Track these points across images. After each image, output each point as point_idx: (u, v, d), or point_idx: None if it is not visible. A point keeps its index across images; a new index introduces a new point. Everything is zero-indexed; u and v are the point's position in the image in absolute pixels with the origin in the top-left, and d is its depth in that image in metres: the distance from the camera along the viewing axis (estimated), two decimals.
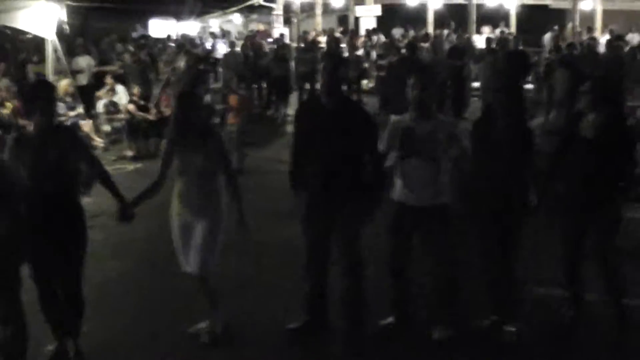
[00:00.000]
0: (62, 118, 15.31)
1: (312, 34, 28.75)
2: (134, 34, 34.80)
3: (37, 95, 6.37)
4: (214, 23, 36.60)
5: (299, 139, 7.06)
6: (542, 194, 7.14)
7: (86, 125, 16.12)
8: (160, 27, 34.31)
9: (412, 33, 28.45)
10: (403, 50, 19.84)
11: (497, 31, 28.96)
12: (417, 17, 33.16)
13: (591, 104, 6.84)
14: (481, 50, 21.82)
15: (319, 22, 32.33)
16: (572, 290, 7.28)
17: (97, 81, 18.76)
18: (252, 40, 24.94)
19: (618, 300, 7.01)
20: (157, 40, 28.36)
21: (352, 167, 6.76)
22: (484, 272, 7.18)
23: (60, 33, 17.34)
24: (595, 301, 7.24)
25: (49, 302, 6.47)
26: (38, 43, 23.10)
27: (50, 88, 6.76)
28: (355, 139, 6.68)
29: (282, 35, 26.08)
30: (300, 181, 7.01)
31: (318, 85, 22.47)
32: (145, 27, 36.12)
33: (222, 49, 25.77)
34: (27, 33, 17.76)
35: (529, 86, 20.59)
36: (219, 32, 33.77)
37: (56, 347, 6.63)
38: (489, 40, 21.26)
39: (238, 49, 23.30)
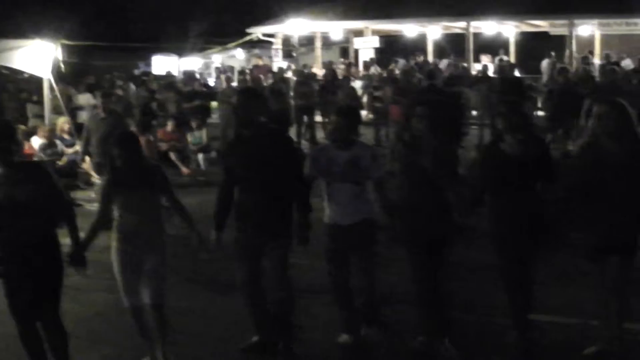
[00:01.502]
0: (60, 155, 15.54)
1: (313, 67, 28.99)
2: (136, 71, 35.07)
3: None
4: (217, 58, 36.81)
5: (228, 178, 7.26)
6: None
7: (85, 163, 16.23)
8: (162, 64, 34.51)
9: (411, 63, 28.60)
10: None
11: (496, 59, 29.09)
12: (415, 47, 33.34)
13: None
14: (476, 76, 21.94)
15: (318, 54, 32.51)
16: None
17: None
18: (251, 75, 25.15)
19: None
20: (158, 76, 28.52)
21: (280, 197, 7.03)
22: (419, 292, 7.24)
23: (57, 72, 17.49)
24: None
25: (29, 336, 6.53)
26: (38, 82, 23.46)
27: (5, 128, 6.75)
28: (281, 168, 7.00)
29: (280, 69, 26.23)
30: (223, 221, 7.22)
31: (316, 118, 22.75)
32: (148, 64, 36.33)
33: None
34: (24, 72, 17.87)
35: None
36: (221, 67, 33.99)
37: None
38: (484, 67, 21.45)
39: (234, 83, 23.45)
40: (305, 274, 7.57)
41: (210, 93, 23.75)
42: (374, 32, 30.69)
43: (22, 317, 6.42)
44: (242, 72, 26.03)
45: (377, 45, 30.06)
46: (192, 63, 34.33)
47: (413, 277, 7.23)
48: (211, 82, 28.85)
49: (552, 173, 7.01)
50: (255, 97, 7.55)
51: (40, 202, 6.29)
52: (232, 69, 35.22)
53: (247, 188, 7.13)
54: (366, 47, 30.23)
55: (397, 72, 24.46)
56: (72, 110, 19.57)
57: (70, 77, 22.42)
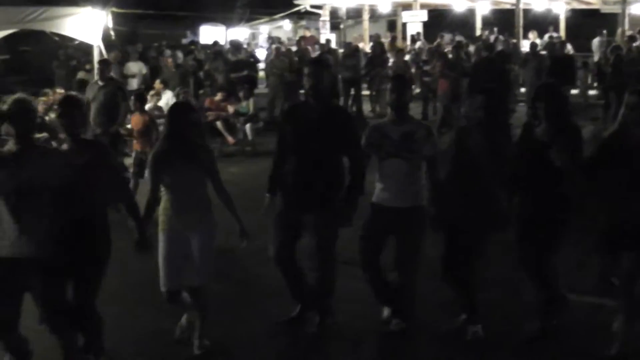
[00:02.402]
0: None
1: (356, 39, 28.86)
2: (184, 40, 35.15)
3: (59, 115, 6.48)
4: (264, 29, 36.79)
5: (282, 143, 7.30)
6: None
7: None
8: (210, 34, 34.54)
9: (458, 38, 28.33)
10: (450, 56, 19.85)
11: (546, 36, 28.75)
12: (464, 22, 33.06)
13: None
14: (526, 54, 21.73)
15: (366, 28, 32.34)
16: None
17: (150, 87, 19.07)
18: (297, 46, 25.13)
19: None
20: (205, 46, 28.59)
21: (333, 169, 7.07)
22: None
23: (106, 39, 17.59)
24: None
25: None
26: (87, 50, 23.61)
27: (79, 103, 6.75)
28: (338, 141, 6.98)
29: (327, 41, 26.13)
30: (277, 185, 7.29)
31: (363, 91, 22.74)
32: (196, 33, 36.41)
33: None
34: (73, 40, 17.99)
35: (574, 91, 20.50)
36: (268, 38, 33.97)
37: None
38: (533, 45, 21.21)
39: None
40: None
41: (257, 63, 23.79)
42: (423, 6, 30.41)
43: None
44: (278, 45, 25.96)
45: (425, 19, 29.79)
46: (239, 33, 34.31)
47: (446, 259, 7.22)
48: (259, 52, 28.78)
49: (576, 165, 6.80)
50: (326, 68, 7.64)
51: (99, 180, 6.29)
52: (278, 39, 35.19)
53: (298, 159, 7.12)
54: (414, 21, 29.97)
55: (446, 47, 24.32)
56: (123, 78, 19.67)
57: (119, 45, 22.51)
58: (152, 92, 17.68)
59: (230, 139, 17.15)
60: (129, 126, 13.40)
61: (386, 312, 7.47)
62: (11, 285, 5.99)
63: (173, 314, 7.28)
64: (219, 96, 18.18)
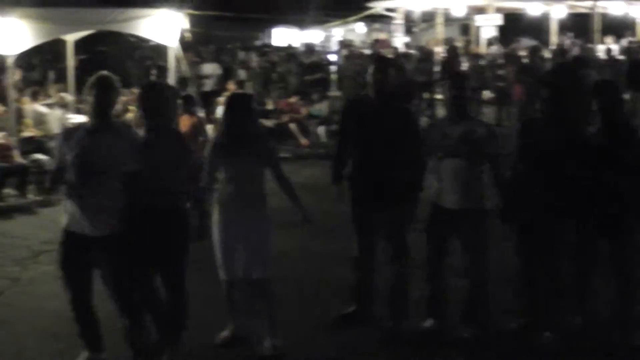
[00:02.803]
0: None
1: (430, 43, 28.65)
2: (257, 42, 35.33)
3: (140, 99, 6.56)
4: (337, 32, 36.74)
5: (344, 136, 7.41)
6: None
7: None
8: (283, 36, 34.67)
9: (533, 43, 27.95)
10: (525, 61, 19.61)
11: (624, 41, 28.20)
12: (539, 26, 32.57)
13: None
14: (603, 59, 21.36)
15: (440, 31, 32.08)
16: None
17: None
18: (372, 49, 25.07)
19: None
20: (279, 48, 28.70)
21: (398, 168, 7.02)
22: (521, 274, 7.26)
23: (182, 41, 17.75)
24: None
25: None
26: (163, 51, 23.82)
27: (162, 91, 6.80)
28: (400, 138, 7.01)
29: (406, 44, 25.96)
30: (340, 175, 7.40)
31: (436, 95, 22.55)
32: (269, 35, 36.58)
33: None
34: (149, 41, 18.19)
35: None
36: (342, 40, 33.91)
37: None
38: (609, 50, 20.85)
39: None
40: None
41: (331, 66, 23.79)
42: (497, 10, 30.06)
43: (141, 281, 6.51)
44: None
45: (500, 22, 29.43)
46: (312, 36, 34.33)
47: (517, 260, 7.23)
48: (333, 55, 28.77)
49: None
50: (391, 66, 7.65)
51: (176, 168, 6.35)
52: (350, 42, 35.10)
53: (359, 153, 7.21)
54: (488, 25, 29.63)
55: (521, 51, 24.01)
56: (198, 79, 19.86)
57: (194, 46, 22.68)
58: (225, 93, 17.75)
59: (303, 141, 17.18)
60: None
61: (429, 322, 7.40)
62: (80, 261, 6.13)
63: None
64: (292, 98, 18.22)
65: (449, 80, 7.33)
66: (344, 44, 28.49)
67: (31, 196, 13.37)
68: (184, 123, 11.92)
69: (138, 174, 6.06)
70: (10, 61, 14.78)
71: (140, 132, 6.56)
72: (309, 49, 26.02)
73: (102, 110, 6.13)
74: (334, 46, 32.17)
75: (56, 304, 7.63)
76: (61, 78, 22.50)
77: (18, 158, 13.54)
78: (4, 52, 14.62)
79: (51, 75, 23.73)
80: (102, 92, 6.12)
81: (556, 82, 7.35)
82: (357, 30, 37.48)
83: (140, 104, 6.57)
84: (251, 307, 7.06)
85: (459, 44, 27.98)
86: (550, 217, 6.83)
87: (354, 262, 7.45)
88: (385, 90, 7.19)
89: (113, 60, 27.64)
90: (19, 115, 15.26)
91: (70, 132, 6.36)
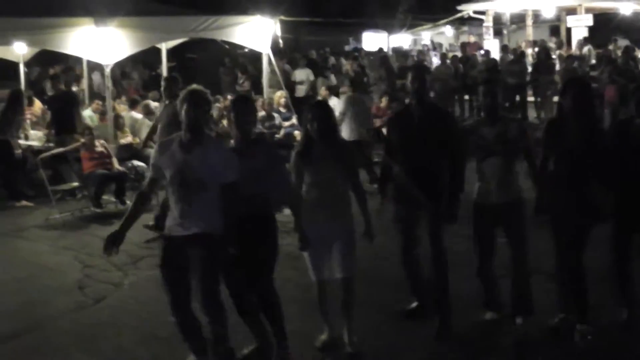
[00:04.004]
0: (277, 128, 15.77)
1: (523, 45, 28.23)
2: (347, 47, 35.28)
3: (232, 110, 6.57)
4: (426, 35, 36.48)
5: (390, 144, 7.59)
6: None
7: (300, 135, 16.42)
8: (372, 40, 34.54)
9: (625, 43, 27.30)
10: (619, 61, 19.17)
11: None
12: (631, 26, 31.79)
13: None
14: None
15: (529, 33, 31.62)
16: None
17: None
18: (463, 52, 24.80)
19: None
20: (369, 52, 28.56)
21: (438, 169, 7.26)
22: (559, 270, 7.34)
23: (275, 47, 17.80)
24: None
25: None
26: (254, 58, 23.95)
27: (245, 102, 6.82)
28: (440, 140, 7.21)
29: (487, 51, 25.52)
30: (386, 186, 7.62)
31: (528, 98, 22.19)
32: (358, 40, 36.48)
33: (435, 61, 25.83)
34: (244, 47, 18.29)
35: None
36: (430, 44, 33.68)
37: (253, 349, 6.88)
38: None
39: (448, 61, 23.21)
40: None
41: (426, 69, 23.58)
42: (587, 10, 29.45)
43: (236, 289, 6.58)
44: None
45: (591, 23, 28.83)
46: (401, 39, 34.14)
47: (556, 253, 7.31)
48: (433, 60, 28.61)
49: None
50: (428, 72, 8.22)
51: (268, 175, 6.39)
52: (440, 46, 34.82)
53: (404, 160, 7.36)
54: (579, 26, 29.05)
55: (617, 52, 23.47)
56: (291, 85, 19.91)
57: (286, 52, 22.76)
58: (318, 99, 17.70)
59: None
60: None
61: (489, 315, 7.61)
62: (179, 265, 6.14)
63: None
64: (383, 102, 18.06)
65: (483, 86, 7.71)
66: (432, 48, 28.26)
67: (129, 203, 13.47)
68: None
69: (236, 184, 6.07)
70: (107, 70, 14.96)
71: (231, 140, 6.64)
72: (399, 53, 25.81)
73: (195, 125, 6.10)
74: (422, 49, 31.94)
75: (157, 309, 7.71)
76: (153, 85, 22.89)
77: (117, 165, 13.65)
78: (102, 61, 14.81)
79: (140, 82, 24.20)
80: (194, 108, 6.07)
81: None
82: (446, 34, 37.16)
83: (231, 115, 6.64)
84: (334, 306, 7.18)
85: (551, 45, 27.49)
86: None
87: (402, 258, 7.70)
88: (425, 96, 7.41)
89: (202, 68, 28.05)
90: (117, 122, 15.44)
91: (165, 145, 6.34)
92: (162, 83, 12.37)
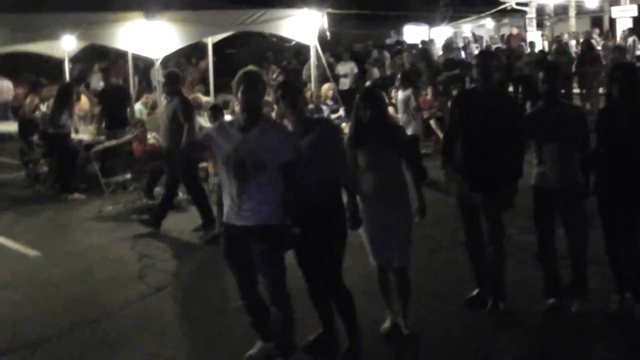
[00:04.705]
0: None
1: (565, 36, 28.00)
2: (388, 40, 35.21)
3: (282, 95, 6.48)
4: (466, 28, 36.29)
5: (453, 123, 7.62)
6: None
7: (347, 127, 16.39)
8: (413, 33, 34.43)
9: None
10: None
11: None
12: None
13: None
14: None
15: (572, 24, 31.36)
16: None
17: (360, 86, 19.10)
18: (507, 44, 24.66)
19: None
20: (411, 45, 28.48)
21: (499, 153, 7.25)
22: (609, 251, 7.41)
23: (321, 40, 17.80)
24: None
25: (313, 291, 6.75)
26: (298, 50, 23.95)
27: (293, 85, 6.76)
28: (504, 124, 7.24)
29: (532, 43, 25.29)
30: (450, 161, 7.59)
31: (574, 89, 22.02)
32: (400, 33, 36.38)
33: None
34: (291, 41, 18.30)
35: None
36: (471, 36, 33.47)
37: (318, 335, 6.92)
38: None
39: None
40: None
41: (469, 63, 23.42)
42: (632, 0, 29.11)
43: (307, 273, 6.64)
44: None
45: (635, 14, 28.49)
46: (442, 32, 33.98)
47: (605, 236, 7.36)
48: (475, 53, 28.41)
49: None
50: (491, 57, 8.23)
51: (324, 157, 6.34)
52: (481, 38, 34.64)
53: (466, 142, 7.38)
54: (624, 16, 28.72)
55: None
56: (335, 78, 19.90)
57: (331, 45, 22.74)
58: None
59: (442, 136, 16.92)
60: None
61: (551, 300, 7.61)
62: (241, 252, 6.18)
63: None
64: (429, 94, 18.01)
65: (542, 73, 7.52)
66: (477, 39, 28.08)
67: (180, 194, 13.55)
68: None
69: (296, 164, 6.05)
70: (157, 64, 15.03)
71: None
72: (445, 46, 25.65)
73: (251, 106, 6.08)
74: (461, 42, 31.77)
75: (218, 297, 7.80)
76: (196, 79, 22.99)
77: None
78: (152, 56, 14.88)
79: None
80: (250, 88, 6.06)
81: None
82: (487, 26, 36.95)
83: (280, 103, 6.55)
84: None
85: (596, 36, 27.26)
86: None
87: (466, 247, 7.81)
88: (489, 80, 7.43)
89: (242, 63, 28.07)
90: None
91: (223, 125, 6.36)
92: (163, 79, 12.07)
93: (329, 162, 6.36)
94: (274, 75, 23.31)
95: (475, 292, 7.84)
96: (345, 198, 6.64)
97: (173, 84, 11.56)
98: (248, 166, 5.96)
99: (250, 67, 6.28)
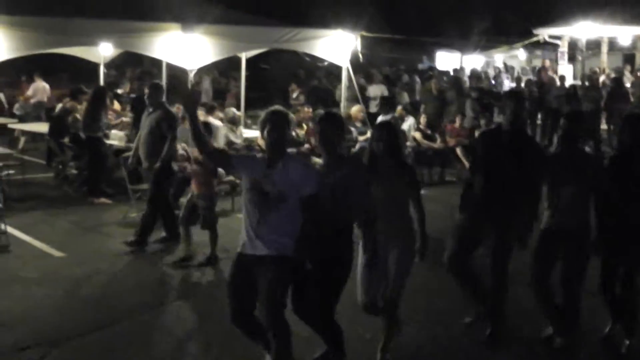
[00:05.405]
0: (354, 142, 15.90)
1: (598, 71, 28.02)
2: (420, 66, 35.27)
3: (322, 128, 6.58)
4: (498, 58, 36.31)
5: (475, 163, 7.76)
6: None
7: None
8: (446, 60, 34.48)
9: None
10: None
11: None
12: None
13: None
14: None
15: (604, 60, 31.33)
16: None
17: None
18: (537, 76, 24.69)
19: None
20: (442, 72, 28.56)
21: (518, 194, 7.31)
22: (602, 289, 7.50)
23: (354, 62, 17.93)
24: None
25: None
26: (329, 70, 24.09)
27: (336, 120, 6.78)
28: (528, 169, 7.29)
29: (562, 77, 25.30)
30: (467, 204, 7.68)
31: (603, 124, 21.99)
32: (432, 59, 36.46)
33: (506, 84, 25.71)
34: (323, 61, 18.44)
35: None
36: (502, 67, 33.51)
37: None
38: None
39: (522, 84, 23.12)
40: None
41: (498, 92, 23.48)
42: None
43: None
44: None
45: None
46: (474, 60, 34.02)
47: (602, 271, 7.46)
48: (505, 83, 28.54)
49: None
50: (525, 99, 8.36)
51: (348, 195, 6.40)
52: (512, 69, 34.62)
53: (486, 179, 7.47)
54: None
55: None
56: (365, 100, 20.03)
57: (362, 68, 22.88)
58: (392, 115, 17.78)
59: (468, 165, 16.99)
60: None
61: (549, 330, 7.66)
62: (248, 281, 6.19)
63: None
64: (457, 122, 18.12)
65: (567, 115, 7.57)
66: (508, 69, 28.09)
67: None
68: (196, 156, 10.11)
69: (317, 198, 6.13)
70: (191, 75, 15.22)
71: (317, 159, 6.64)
72: (475, 74, 25.71)
73: (277, 146, 6.21)
74: (493, 71, 31.80)
75: None
76: (221, 93, 23.17)
77: None
78: (187, 67, 15.06)
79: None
80: (275, 129, 6.18)
81: None
82: (519, 57, 36.94)
83: (317, 134, 6.69)
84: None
85: (627, 72, 27.26)
86: None
87: (447, 267, 7.80)
88: (517, 121, 7.52)
89: (274, 78, 28.30)
90: None
91: (255, 156, 6.63)
92: (146, 90, 11.95)
93: (352, 199, 6.42)
94: (295, 95, 23.49)
95: (470, 319, 8.01)
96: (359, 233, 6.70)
97: (156, 95, 11.55)
98: (271, 197, 6.07)
99: (277, 107, 6.37)
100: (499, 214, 7.37)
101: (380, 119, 14.34)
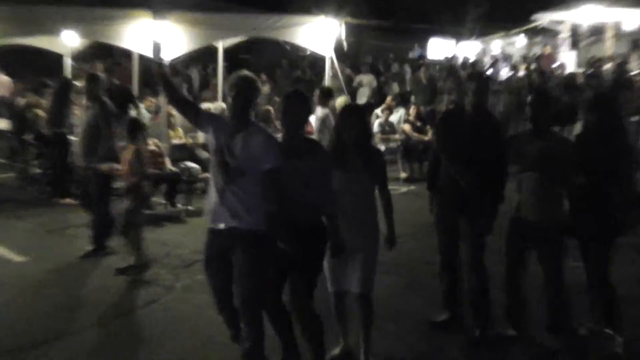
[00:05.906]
0: None
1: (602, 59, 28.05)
2: (411, 54, 35.29)
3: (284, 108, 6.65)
4: (496, 44, 36.34)
5: (438, 144, 7.97)
6: None
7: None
8: (439, 48, 34.50)
9: None
10: None
11: None
12: None
13: None
14: None
15: (609, 46, 31.36)
16: None
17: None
18: (538, 64, 24.73)
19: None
20: (435, 61, 28.62)
21: (483, 177, 7.49)
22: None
23: (338, 50, 17.85)
24: None
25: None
26: (314, 60, 24.08)
27: (302, 99, 6.77)
28: (489, 147, 7.48)
29: (562, 64, 25.36)
30: (435, 184, 7.96)
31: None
32: (423, 47, 36.49)
33: (504, 72, 25.75)
34: (305, 50, 18.36)
35: None
36: (500, 54, 33.56)
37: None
38: None
39: (521, 73, 23.14)
40: None
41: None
42: None
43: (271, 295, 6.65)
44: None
45: None
46: (469, 48, 34.06)
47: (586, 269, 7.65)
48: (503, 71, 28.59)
49: None
50: (489, 81, 8.72)
51: (317, 181, 6.49)
52: (510, 57, 34.65)
53: (450, 163, 7.67)
54: None
55: None
56: (353, 90, 20.03)
57: (349, 56, 22.89)
58: (382, 107, 17.85)
59: None
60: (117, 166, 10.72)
61: (511, 332, 7.86)
62: (225, 260, 6.32)
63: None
64: None
65: (532, 97, 7.65)
66: (502, 58, 28.14)
67: (180, 205, 13.70)
68: (126, 155, 10.20)
69: (276, 172, 6.20)
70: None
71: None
72: (468, 63, 25.77)
73: (241, 113, 6.31)
74: (486, 59, 31.88)
75: (211, 312, 7.85)
76: (206, 85, 23.13)
77: (169, 165, 13.85)
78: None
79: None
80: (240, 95, 6.28)
81: None
82: (517, 44, 36.99)
83: (280, 112, 6.75)
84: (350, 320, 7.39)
85: (632, 60, 27.30)
86: None
87: (439, 267, 8.15)
88: (480, 103, 7.72)
89: (255, 69, 28.25)
90: (168, 121, 15.53)
91: (222, 120, 6.60)
92: (85, 83, 11.77)
93: (314, 187, 6.48)
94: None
95: (445, 316, 8.21)
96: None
97: (94, 87, 11.43)
98: (230, 169, 6.19)
99: (245, 73, 6.45)
100: (466, 199, 7.59)
101: (318, 112, 14.42)
